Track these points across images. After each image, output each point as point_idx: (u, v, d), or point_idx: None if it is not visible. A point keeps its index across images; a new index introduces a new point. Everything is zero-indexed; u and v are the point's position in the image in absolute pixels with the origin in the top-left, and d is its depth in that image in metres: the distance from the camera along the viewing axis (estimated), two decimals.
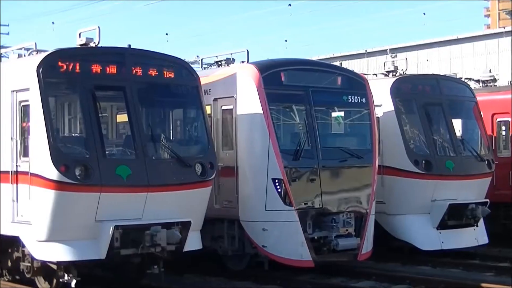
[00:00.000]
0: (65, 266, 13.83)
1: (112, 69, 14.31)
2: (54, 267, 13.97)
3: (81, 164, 13.46)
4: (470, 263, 19.33)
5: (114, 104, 16.16)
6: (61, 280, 13.95)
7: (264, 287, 16.47)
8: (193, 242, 14.83)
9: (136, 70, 14.54)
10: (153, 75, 14.80)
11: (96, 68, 14.13)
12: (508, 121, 22.39)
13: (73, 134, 15.67)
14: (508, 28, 38.44)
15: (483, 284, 15.92)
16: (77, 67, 13.89)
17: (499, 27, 43.67)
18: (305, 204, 16.44)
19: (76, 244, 13.48)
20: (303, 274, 17.24)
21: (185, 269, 17.48)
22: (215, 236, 17.30)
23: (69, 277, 13.81)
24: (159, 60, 15.05)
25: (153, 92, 15.08)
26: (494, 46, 37.72)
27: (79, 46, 14.55)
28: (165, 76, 14.97)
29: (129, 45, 15.06)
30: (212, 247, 17.27)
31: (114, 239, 13.55)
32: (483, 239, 20.14)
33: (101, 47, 14.60)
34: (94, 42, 14.54)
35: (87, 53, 14.38)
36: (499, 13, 52.59)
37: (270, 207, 16.23)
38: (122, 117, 15.47)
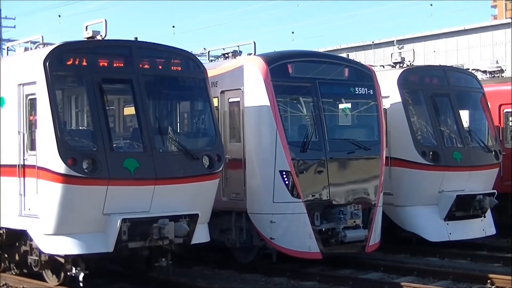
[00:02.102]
0: (72, 260, 13.73)
1: (119, 62, 14.22)
2: (62, 260, 13.88)
3: (88, 157, 13.35)
4: (478, 254, 19.22)
5: (121, 97, 16.07)
6: (68, 273, 13.86)
7: (273, 279, 16.38)
8: (201, 235, 14.73)
9: (143, 63, 14.44)
10: (160, 67, 14.72)
11: (103, 61, 14.03)
12: None
13: (80, 127, 15.58)
14: None
15: (491, 275, 15.79)
16: (84, 60, 13.79)
17: (506, 18, 43.34)
18: (312, 196, 16.33)
19: (83, 237, 13.38)
20: (311, 266, 17.16)
21: (193, 261, 17.39)
22: (223, 229, 17.19)
23: (76, 271, 13.71)
24: (166, 52, 14.93)
25: (160, 84, 14.96)
26: (501, 36, 37.46)
27: (86, 39, 14.43)
28: (172, 68, 14.88)
29: (136, 38, 14.93)
30: (220, 240, 17.17)
31: (121, 232, 13.45)
32: (491, 230, 20.02)
33: (108, 40, 14.48)
34: (101, 35, 14.42)
35: (94, 46, 14.26)
36: (505, 4, 52.26)
37: (277, 199, 16.11)
38: (130, 110, 15.38)
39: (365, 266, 17.42)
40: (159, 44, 15.03)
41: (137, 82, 14.23)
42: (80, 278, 13.71)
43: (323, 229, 16.54)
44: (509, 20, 38.54)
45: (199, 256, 17.49)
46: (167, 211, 13.97)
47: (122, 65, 14.19)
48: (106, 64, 14.02)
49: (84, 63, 13.77)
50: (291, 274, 16.55)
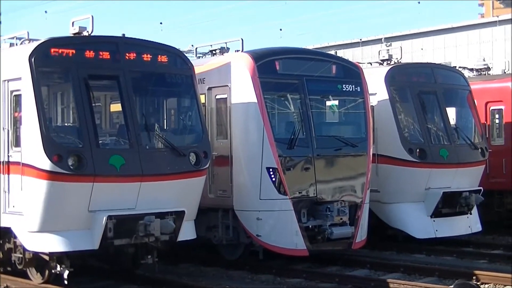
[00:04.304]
0: (57, 257, 13.53)
1: (105, 58, 14.01)
2: (47, 258, 13.68)
3: (74, 154, 13.15)
4: (464, 251, 19.14)
5: (108, 94, 15.90)
6: (53, 271, 13.68)
7: (259, 276, 16.23)
8: (187, 232, 14.59)
9: (130, 59, 14.25)
10: (147, 64, 14.53)
11: (90, 57, 13.83)
12: (502, 109, 22.20)
13: (66, 124, 15.37)
14: (502, 17, 38.13)
15: (477, 272, 15.72)
16: (70, 56, 13.58)
17: (493, 16, 43.31)
18: (299, 193, 16.20)
19: (68, 235, 13.17)
20: (298, 263, 17.04)
21: (179, 258, 17.22)
22: (209, 226, 17.04)
23: (61, 268, 13.51)
24: (153, 49, 14.74)
25: (147, 81, 14.83)
26: (488, 35, 37.42)
27: (72, 35, 14.25)
28: (159, 65, 14.71)
29: (123, 34, 14.79)
30: (207, 237, 17.02)
31: (107, 229, 13.26)
32: (477, 226, 19.98)
33: (95, 36, 14.31)
34: (88, 31, 14.25)
35: (80, 42, 14.04)
36: (493, 2, 52.29)
37: (264, 196, 15.97)
38: (116, 107, 15.19)
39: (352, 263, 17.31)
40: (146, 41, 14.85)
41: (124, 79, 14.05)
42: (65, 275, 13.51)
43: (310, 226, 16.43)
44: (496, 19, 38.48)
45: (185, 253, 17.32)
46: (153, 208, 13.80)
47: (108, 61, 13.98)
48: (92, 60, 13.80)
49: (70, 59, 13.56)
50: (278, 271, 16.41)
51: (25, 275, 14.61)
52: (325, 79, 17.16)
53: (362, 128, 17.47)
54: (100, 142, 13.73)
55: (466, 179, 19.62)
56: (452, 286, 14.02)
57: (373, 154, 18.00)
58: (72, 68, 13.63)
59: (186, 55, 15.92)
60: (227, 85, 16.48)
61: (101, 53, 13.93)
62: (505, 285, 15.01)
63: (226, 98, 16.54)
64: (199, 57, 18.69)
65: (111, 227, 13.30)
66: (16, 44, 15.07)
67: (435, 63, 22.35)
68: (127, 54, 14.19)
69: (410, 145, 18.83)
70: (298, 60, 17.06)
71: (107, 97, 16.06)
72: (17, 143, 13.76)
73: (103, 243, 13.31)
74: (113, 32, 15.42)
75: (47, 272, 14.00)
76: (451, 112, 20.40)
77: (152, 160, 13.93)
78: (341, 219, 16.64)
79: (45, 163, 12.95)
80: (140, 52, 14.41)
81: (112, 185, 13.47)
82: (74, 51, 13.65)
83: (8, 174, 13.83)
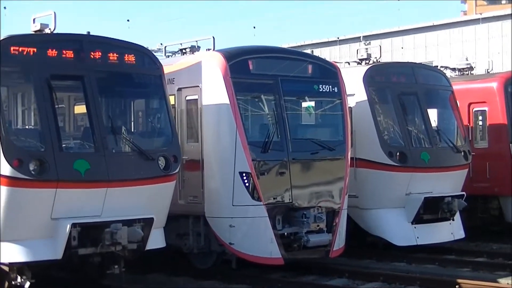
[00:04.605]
0: (18, 268, 13.42)
1: (69, 57, 13.96)
2: (6, 269, 13.55)
3: (35, 158, 13.10)
4: (446, 259, 19.33)
5: (72, 95, 15.85)
6: (13, 282, 13.55)
7: (232, 286, 16.30)
8: (156, 240, 14.59)
9: (95, 58, 14.23)
10: (114, 63, 14.50)
11: (52, 56, 13.76)
12: (485, 110, 22.42)
13: (27, 127, 15.35)
14: (485, 15, 38.54)
15: (460, 280, 15.86)
16: (31, 55, 13.52)
17: (476, 14, 43.76)
18: (274, 198, 16.28)
19: (30, 244, 13.10)
20: (272, 272, 17.12)
21: (148, 268, 17.23)
22: (179, 233, 17.07)
23: (22, 280, 13.42)
24: (120, 48, 14.74)
25: (113, 81, 14.83)
26: (471, 33, 37.81)
27: (33, 33, 14.18)
28: (126, 64, 14.69)
29: (88, 32, 14.76)
30: (177, 245, 17.04)
31: (71, 237, 13.21)
32: (460, 233, 20.16)
33: (58, 33, 14.24)
34: (50, 29, 14.19)
35: (42, 40, 13.98)
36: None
37: (237, 202, 16.04)
38: (80, 108, 15.14)
39: (329, 272, 17.41)
40: (113, 39, 14.84)
41: (89, 79, 14.03)
42: (26, 287, 13.46)
43: (285, 234, 16.50)
44: (479, 16, 38.89)
45: (154, 263, 17.33)
46: (120, 215, 13.79)
47: (72, 60, 13.96)
48: (55, 60, 13.77)
49: (32, 58, 13.50)
50: (252, 280, 16.48)
51: None
52: (300, 79, 17.27)
53: (340, 130, 17.59)
54: (63, 145, 13.66)
55: (448, 183, 19.80)
56: None
57: (351, 158, 18.11)
58: (33, 68, 13.58)
59: (155, 54, 15.94)
60: (198, 86, 16.53)
61: (64, 52, 13.89)
62: None
63: (197, 99, 16.58)
64: (168, 56, 18.72)
65: (75, 235, 13.26)
66: None
67: (416, 63, 22.57)
68: (92, 53, 14.17)
69: (390, 148, 18.98)
70: (272, 59, 17.15)
71: (71, 98, 16.01)
72: None
73: (67, 253, 13.25)
74: (77, 30, 15.45)
75: (6, 283, 13.87)
76: (433, 114, 20.57)
77: (119, 165, 13.92)
78: (318, 226, 16.73)
79: (5, 168, 12.88)
80: (106, 51, 14.40)
81: (77, 191, 13.44)
82: (35, 50, 13.58)
83: None
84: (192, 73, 16.71)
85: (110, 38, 14.83)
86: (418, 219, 19.19)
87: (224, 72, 16.24)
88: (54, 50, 13.79)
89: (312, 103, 17.93)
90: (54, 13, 14.13)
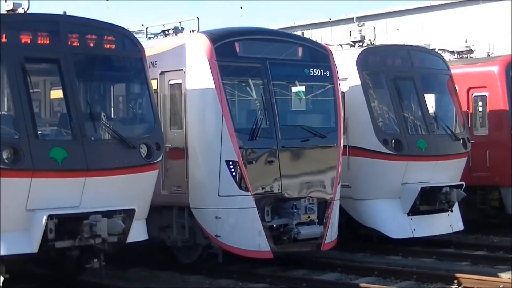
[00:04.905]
0: None
1: (44, 39, 13.92)
2: None
3: (9, 146, 13.07)
4: (444, 252, 19.43)
5: (48, 79, 15.88)
6: None
7: (219, 281, 16.34)
8: (138, 232, 14.60)
9: (72, 40, 14.20)
10: (92, 45, 14.48)
11: (26, 37, 13.71)
12: (485, 96, 22.48)
13: (0, 113, 15.26)
14: None
15: (458, 275, 15.95)
16: (4, 37, 13.43)
17: None
18: (262, 188, 16.33)
19: (3, 237, 13.04)
20: (261, 266, 17.18)
21: (129, 262, 17.26)
22: (163, 226, 17.11)
23: None
24: (98, 29, 14.73)
25: (91, 64, 14.82)
26: (471, 14, 37.84)
27: (6, 13, 14.12)
28: (106, 46, 14.67)
29: (65, 12, 14.70)
30: (160, 238, 17.09)
31: (48, 230, 13.19)
32: (458, 225, 20.25)
33: (32, 13, 14.22)
34: (23, 8, 14.16)
35: (15, 21, 13.95)
36: None
37: (223, 192, 16.07)
38: (57, 93, 15.17)
39: (321, 266, 17.48)
40: (91, 20, 14.81)
41: (66, 62, 14.01)
42: (0, 283, 13.46)
43: (275, 225, 16.56)
44: None
45: (135, 256, 17.34)
46: (100, 206, 13.80)
47: (48, 42, 13.91)
48: (29, 41, 13.70)
49: (4, 40, 13.40)
50: (239, 275, 16.55)
51: None
52: (290, 62, 17.29)
53: (332, 117, 17.63)
54: (39, 132, 13.63)
55: (446, 173, 19.88)
56: None
57: (344, 146, 18.16)
58: (6, 50, 13.47)
59: (136, 35, 15.94)
60: (182, 69, 16.53)
61: (39, 33, 13.83)
62: None
63: (180, 83, 16.59)
64: (150, 38, 18.71)
65: (52, 227, 13.24)
66: None
67: (412, 45, 22.56)
68: (69, 35, 14.13)
69: (385, 136, 19.04)
70: (260, 41, 17.16)
71: (47, 83, 16.03)
72: None
73: (43, 246, 13.25)
74: (53, 10, 15.37)
75: None
76: (430, 99, 20.64)
77: (98, 153, 13.93)
78: (308, 217, 16.78)
79: None
80: (84, 33, 14.37)
81: (53, 180, 13.43)
82: (8, 31, 13.50)
83: None
84: (176, 56, 16.71)
85: (88, 18, 14.80)
86: (414, 211, 19.26)
87: (209, 55, 16.23)
88: (28, 31, 13.73)
89: (303, 88, 17.97)
90: None
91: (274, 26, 40.26)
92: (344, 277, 16.75)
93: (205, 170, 16.24)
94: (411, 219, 19.28)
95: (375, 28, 21.48)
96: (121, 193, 14.14)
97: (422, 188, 19.14)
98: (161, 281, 16.31)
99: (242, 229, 16.23)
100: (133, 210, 14.17)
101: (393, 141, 19.05)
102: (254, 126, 16.32)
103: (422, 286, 15.77)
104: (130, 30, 16.32)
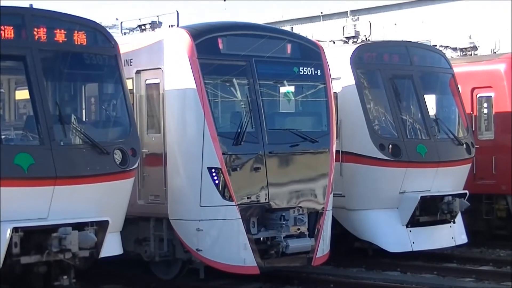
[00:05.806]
0: None
1: (8, 34, 13.92)
2: None
3: None
4: (446, 267, 19.51)
5: (12, 78, 15.89)
6: None
7: None
8: (112, 246, 14.66)
9: (39, 35, 14.24)
10: (61, 41, 14.53)
11: None
12: (491, 96, 22.57)
13: None
14: None
15: None
16: None
17: None
18: (248, 198, 16.38)
19: None
20: (246, 282, 17.24)
21: (102, 279, 17.26)
22: (139, 239, 17.15)
23: None
24: (68, 23, 14.77)
25: (61, 62, 14.84)
26: (475, 7, 37.99)
27: None
28: (76, 43, 14.72)
29: (31, 5, 14.71)
30: (136, 252, 17.13)
31: (12, 244, 13.21)
32: (462, 238, 20.33)
33: None
34: None
35: None
36: None
37: (205, 202, 16.11)
38: (23, 94, 15.16)
39: (312, 282, 17.55)
40: (60, 13, 14.86)
41: (32, 59, 14.04)
42: None
43: (261, 238, 16.61)
44: None
45: (109, 273, 17.35)
46: (70, 218, 13.83)
47: (12, 37, 13.92)
48: None
49: None
50: None
51: None
52: (278, 60, 17.36)
53: (324, 119, 17.71)
54: (2, 137, 13.67)
55: (448, 180, 19.95)
56: None
57: (337, 151, 18.25)
58: None
59: (110, 30, 16.03)
60: (160, 68, 16.57)
61: (3, 27, 13.84)
62: None
63: (158, 83, 16.63)
64: (125, 33, 18.75)
65: (17, 241, 13.25)
66: None
67: (411, 41, 22.67)
68: (35, 30, 14.17)
69: (381, 140, 19.11)
70: (246, 37, 17.22)
71: (11, 82, 16.04)
72: None
73: (7, 261, 13.25)
74: (18, 2, 15.32)
75: None
76: (431, 100, 20.71)
77: (68, 159, 13.95)
78: (298, 229, 16.79)
79: None
80: (52, 27, 14.42)
81: (18, 189, 13.42)
82: None
83: None
84: (153, 53, 16.75)
85: (57, 12, 14.83)
86: (413, 222, 19.32)
87: (189, 52, 16.27)
88: None
89: (292, 88, 18.03)
90: None
91: (260, 21, 40.34)
92: None
93: (186, 178, 16.27)
94: (410, 231, 19.33)
95: (370, 23, 21.52)
96: (94, 203, 14.17)
97: (422, 197, 19.18)
98: None
99: (225, 242, 16.25)
100: (107, 222, 14.19)
101: (390, 146, 19.12)
102: (239, 130, 16.35)
103: None
104: (103, 24, 16.29)
